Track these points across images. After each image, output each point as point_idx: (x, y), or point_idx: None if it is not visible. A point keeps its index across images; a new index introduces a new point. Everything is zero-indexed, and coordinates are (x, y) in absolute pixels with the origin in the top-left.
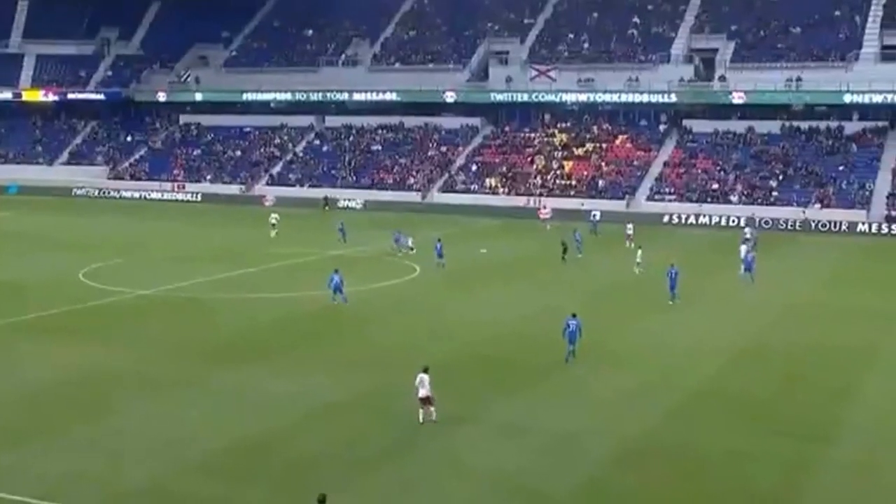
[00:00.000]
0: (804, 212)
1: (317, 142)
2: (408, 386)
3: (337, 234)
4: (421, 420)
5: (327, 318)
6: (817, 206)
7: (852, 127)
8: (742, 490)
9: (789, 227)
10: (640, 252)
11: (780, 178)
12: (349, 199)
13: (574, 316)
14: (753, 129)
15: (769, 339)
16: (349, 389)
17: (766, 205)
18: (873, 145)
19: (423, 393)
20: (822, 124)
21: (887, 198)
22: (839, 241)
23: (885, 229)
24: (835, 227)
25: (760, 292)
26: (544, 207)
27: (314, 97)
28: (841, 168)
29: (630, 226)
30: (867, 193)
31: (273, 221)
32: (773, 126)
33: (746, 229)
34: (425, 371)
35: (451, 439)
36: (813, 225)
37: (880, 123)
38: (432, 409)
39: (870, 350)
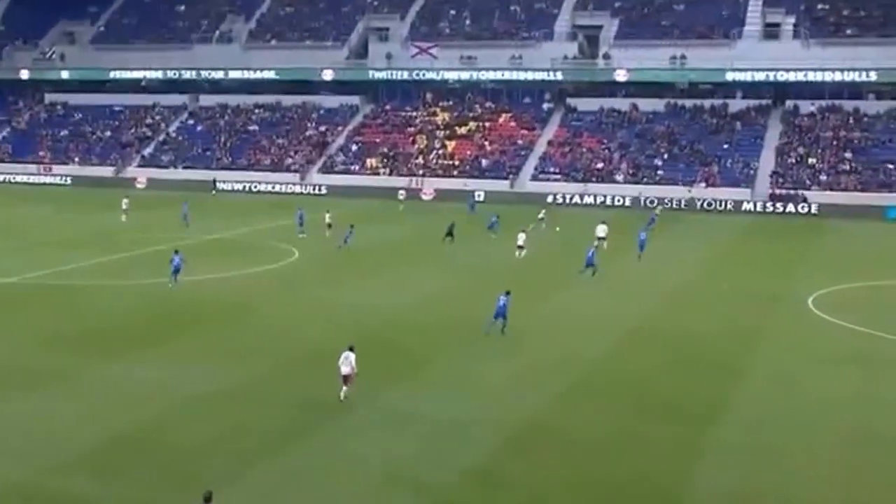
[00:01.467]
0: (690, 190)
1: (191, 122)
2: (289, 374)
3: (181, 218)
4: (342, 398)
5: (206, 304)
6: (702, 184)
7: (736, 105)
8: (631, 474)
9: (675, 206)
10: (522, 236)
11: (665, 156)
12: (225, 182)
13: (507, 293)
14: (638, 107)
15: (656, 320)
16: (230, 378)
17: (652, 184)
18: (757, 123)
19: (345, 371)
20: (707, 102)
21: (771, 176)
22: (725, 220)
23: (769, 208)
24: (720, 205)
25: (648, 273)
26: (421, 187)
27: (187, 75)
28: (725, 146)
29: (602, 227)
30: (751, 172)
31: (124, 206)
32: (657, 104)
33: (658, 208)
34: (351, 349)
35: (337, 428)
36: (699, 204)
37: (764, 101)
38: (344, 388)
39: (755, 331)
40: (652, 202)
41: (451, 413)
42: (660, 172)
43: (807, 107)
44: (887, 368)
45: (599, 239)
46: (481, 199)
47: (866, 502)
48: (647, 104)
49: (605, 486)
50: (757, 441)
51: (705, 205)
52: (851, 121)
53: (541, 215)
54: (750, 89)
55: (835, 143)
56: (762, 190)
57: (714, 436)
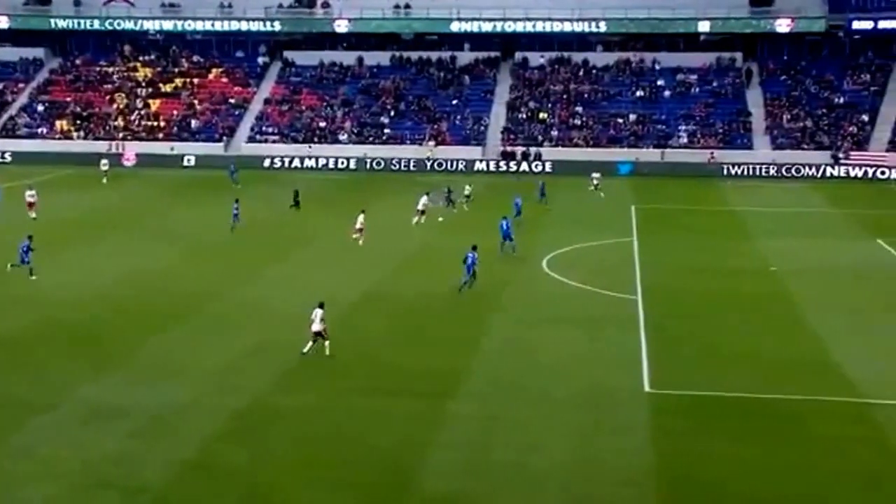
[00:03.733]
0: (431, 150)
1: None
2: None
3: None
4: (305, 350)
5: None
6: (431, 143)
7: (465, 58)
8: (363, 452)
9: (404, 167)
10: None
11: (392, 114)
12: None
13: (474, 249)
14: (363, 60)
15: (388, 288)
16: None
17: (379, 143)
18: (487, 77)
19: (315, 327)
20: (434, 55)
21: (502, 133)
22: (458, 180)
23: (502, 167)
24: (452, 165)
25: (380, 240)
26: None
27: None
28: (455, 102)
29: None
30: (482, 129)
31: None
32: (382, 58)
33: (595, 175)
34: (321, 306)
35: (30, 431)
36: (429, 165)
37: (492, 54)
38: (326, 343)
39: (491, 297)
40: (379, 164)
41: (162, 403)
42: (387, 131)
43: (536, 59)
44: (609, 326)
45: (420, 212)
46: (192, 163)
47: (599, 460)
48: (372, 57)
49: (336, 467)
50: (491, 412)
51: (436, 165)
52: (581, 73)
53: (467, 191)
54: (478, 41)
55: (565, 97)
56: (494, 147)
57: (450, 409)
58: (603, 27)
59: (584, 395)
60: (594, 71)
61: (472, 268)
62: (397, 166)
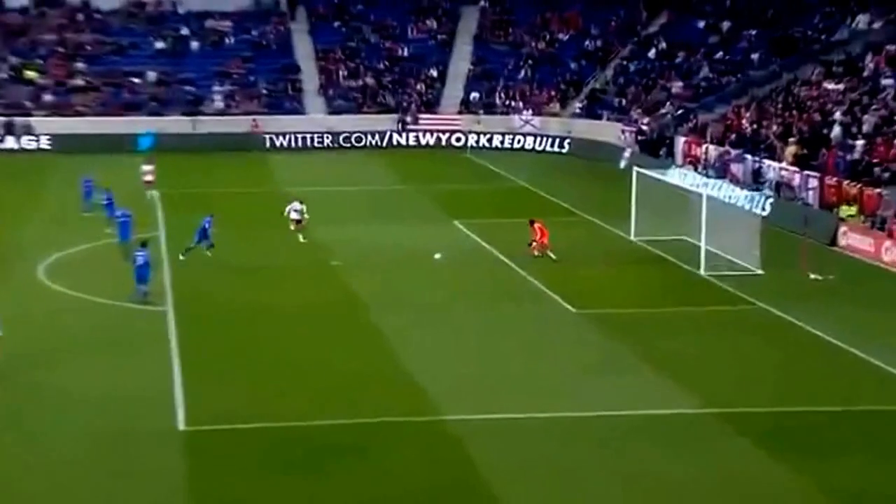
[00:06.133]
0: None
1: None
2: None
3: None
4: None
5: None
6: None
7: None
8: None
9: None
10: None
11: None
12: None
13: (143, 245)
14: None
15: None
16: None
17: None
18: None
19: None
20: None
21: None
22: None
23: None
24: None
25: None
26: None
27: None
28: None
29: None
30: None
31: None
32: None
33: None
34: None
35: None
36: None
37: None
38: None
39: None
40: None
41: None
42: None
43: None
44: (132, 349)
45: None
46: None
47: None
48: None
49: None
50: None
51: None
52: (81, 18)
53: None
54: None
55: (61, 49)
56: None
57: None
58: None
59: (107, 438)
60: (97, 16)
61: (143, 272)
62: None
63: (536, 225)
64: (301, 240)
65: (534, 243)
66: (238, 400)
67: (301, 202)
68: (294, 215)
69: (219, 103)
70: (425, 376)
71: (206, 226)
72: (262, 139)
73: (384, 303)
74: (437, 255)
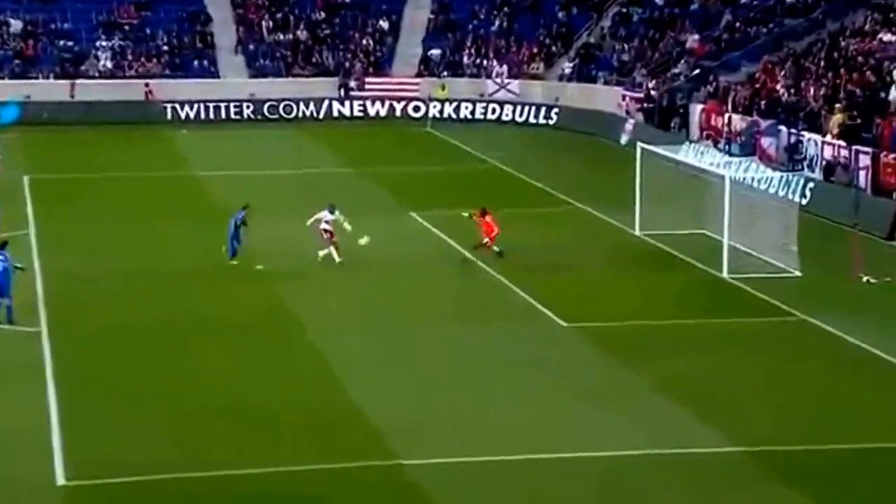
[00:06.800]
0: None
1: None
2: None
3: None
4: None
5: None
6: None
7: None
8: None
9: None
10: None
11: None
12: None
13: (1, 247)
14: None
15: None
16: None
17: None
18: None
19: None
20: None
21: None
22: None
23: None
24: None
25: None
26: None
27: None
28: None
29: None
30: None
31: None
32: None
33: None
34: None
35: None
36: None
37: None
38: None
39: None
40: None
41: None
42: None
43: None
44: (4, 382)
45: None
46: None
47: None
48: None
49: None
50: None
51: None
52: None
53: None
54: None
55: None
56: None
57: None
58: None
59: None
60: None
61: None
62: None
63: (488, 217)
64: (336, 259)
65: (487, 241)
66: (132, 445)
67: (333, 209)
68: (325, 226)
69: (105, 62)
70: (378, 411)
71: (237, 222)
72: (161, 109)
73: (324, 318)
74: (363, 240)
